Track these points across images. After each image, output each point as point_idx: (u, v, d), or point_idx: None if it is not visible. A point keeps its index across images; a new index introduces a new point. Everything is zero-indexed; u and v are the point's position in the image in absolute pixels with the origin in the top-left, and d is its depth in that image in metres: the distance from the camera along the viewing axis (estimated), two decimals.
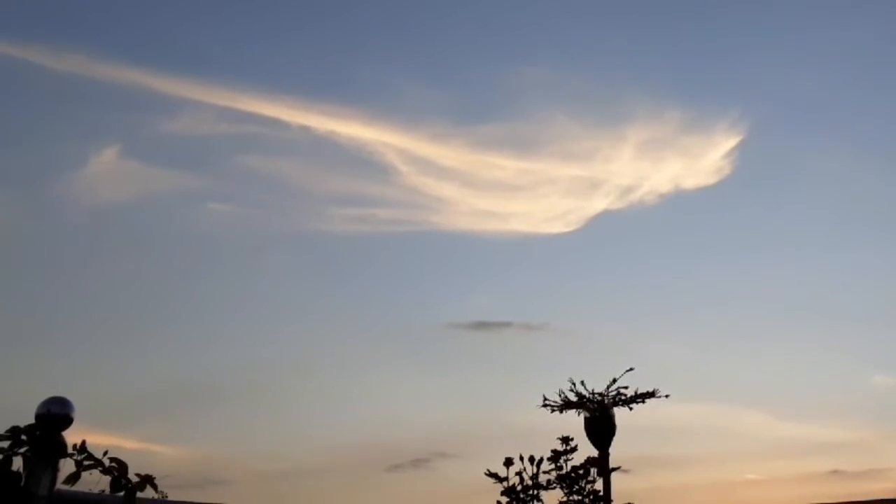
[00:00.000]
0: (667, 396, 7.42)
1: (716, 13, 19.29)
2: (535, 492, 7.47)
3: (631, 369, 7.29)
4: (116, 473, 5.37)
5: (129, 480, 5.39)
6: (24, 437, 5.18)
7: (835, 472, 14.36)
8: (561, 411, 7.35)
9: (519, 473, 7.50)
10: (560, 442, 7.57)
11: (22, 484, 5.15)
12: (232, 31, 19.04)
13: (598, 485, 7.28)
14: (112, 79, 17.55)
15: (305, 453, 15.41)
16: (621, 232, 19.39)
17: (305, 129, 18.49)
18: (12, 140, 17.42)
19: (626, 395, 7.30)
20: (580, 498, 7.38)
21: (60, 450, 5.22)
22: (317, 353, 17.54)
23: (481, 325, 17.61)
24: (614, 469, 7.21)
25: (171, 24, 18.60)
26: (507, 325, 17.52)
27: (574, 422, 7.37)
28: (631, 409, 7.32)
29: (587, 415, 7.24)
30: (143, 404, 14.82)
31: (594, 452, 7.25)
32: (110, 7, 18.28)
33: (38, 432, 5.18)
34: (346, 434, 15.94)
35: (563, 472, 7.52)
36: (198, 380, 16.22)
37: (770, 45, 19.29)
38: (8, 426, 5.24)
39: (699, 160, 18.85)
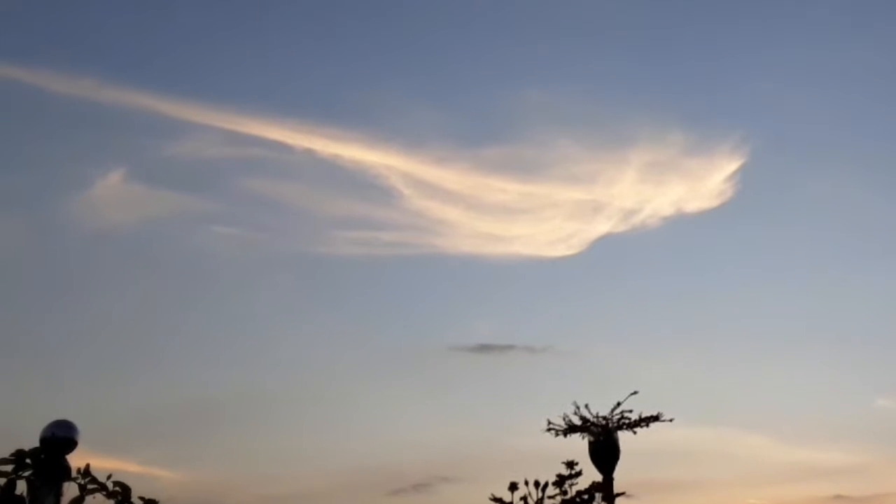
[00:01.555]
0: (671, 420, 7.38)
1: (718, 36, 19.44)
2: None
3: (635, 392, 7.26)
4: (120, 497, 5.35)
5: None
6: (28, 460, 5.17)
7: (838, 497, 14.31)
8: (565, 435, 7.31)
9: (524, 498, 7.46)
10: (565, 466, 7.56)
11: None
12: (236, 55, 19.20)
13: None
14: (118, 102, 17.67)
15: (307, 477, 15.38)
16: (624, 255, 19.44)
17: (309, 153, 18.58)
18: (19, 162, 17.53)
19: (630, 418, 7.26)
20: None
21: (64, 473, 5.19)
22: (319, 375, 17.54)
23: (484, 348, 17.60)
24: (619, 494, 7.16)
25: (177, 49, 18.79)
26: (510, 347, 17.50)
27: (578, 446, 7.35)
28: (635, 433, 7.29)
29: (591, 439, 7.21)
30: (143, 427, 14.80)
31: (599, 477, 7.22)
32: (117, 32, 18.47)
33: (42, 456, 5.17)
34: (348, 458, 15.90)
35: (568, 496, 7.49)
36: (199, 403, 16.21)
37: (773, 67, 19.43)
38: (12, 449, 5.23)
39: (702, 183, 18.90)
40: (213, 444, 15.84)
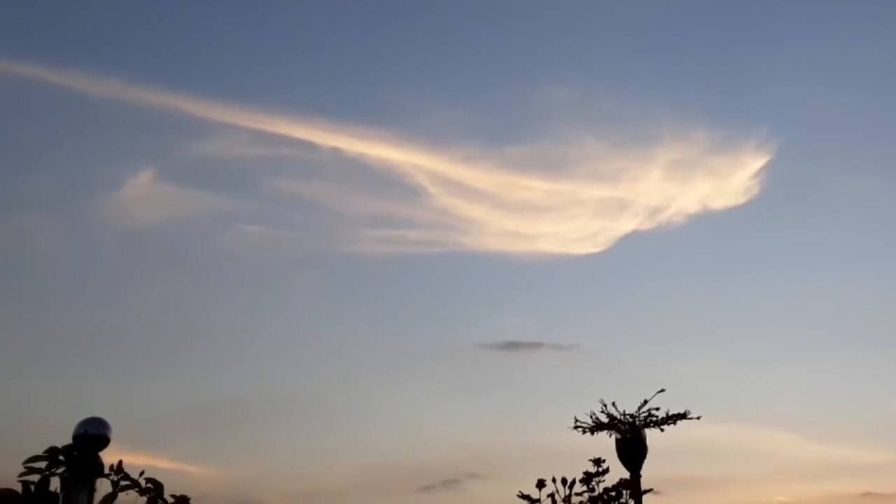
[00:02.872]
0: (698, 418, 7.36)
1: (743, 33, 19.32)
2: None
3: (662, 390, 7.25)
4: (153, 494, 5.42)
5: (165, 501, 5.45)
6: (61, 457, 5.24)
7: (866, 494, 14.19)
8: (592, 433, 7.32)
9: (551, 495, 7.49)
10: (592, 463, 7.58)
11: None
12: (263, 55, 19.31)
13: None
14: (147, 103, 17.83)
15: (336, 473, 15.45)
16: (650, 252, 19.39)
17: (336, 152, 18.66)
18: (50, 163, 17.75)
19: (657, 416, 7.25)
20: None
21: (97, 470, 5.27)
22: (347, 373, 17.62)
23: (511, 346, 17.62)
24: (646, 491, 7.16)
25: (205, 49, 18.90)
26: (537, 345, 17.52)
27: (605, 443, 7.35)
28: (662, 430, 7.28)
29: (618, 436, 7.21)
30: (174, 423, 14.94)
31: (626, 474, 7.23)
32: (145, 32, 18.60)
33: (75, 453, 5.24)
34: (377, 454, 15.97)
35: (596, 493, 7.51)
36: (229, 399, 16.34)
37: (798, 64, 19.28)
38: (45, 447, 5.31)
39: (727, 180, 18.81)
40: (242, 440, 15.94)
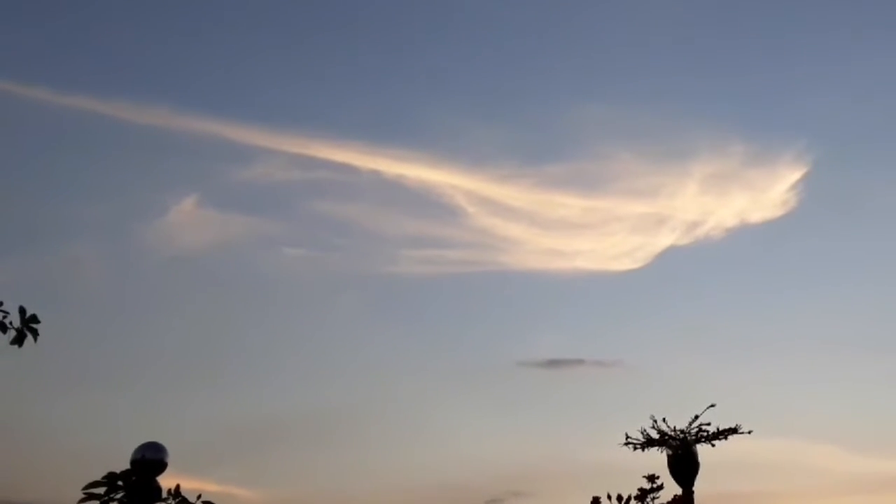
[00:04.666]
0: (749, 432, 7.30)
1: (776, 45, 19.24)
2: None
3: (713, 405, 7.20)
4: None
5: None
6: (120, 482, 5.30)
7: None
8: (643, 449, 7.27)
9: None
10: (645, 480, 7.53)
11: None
12: (301, 80, 19.53)
13: None
14: (190, 130, 18.15)
15: (380, 494, 15.45)
16: (688, 267, 19.34)
17: (375, 174, 18.81)
18: (98, 191, 18.12)
19: (708, 431, 7.20)
20: None
21: (156, 495, 5.32)
22: (388, 392, 17.66)
23: (553, 363, 17.59)
24: None
25: (244, 76, 19.18)
26: (579, 362, 17.48)
27: (652, 459, 7.32)
28: (713, 445, 7.23)
29: (670, 452, 7.16)
30: (219, 445, 15.08)
31: (678, 490, 7.17)
32: (187, 62, 18.93)
33: (133, 478, 5.30)
34: (421, 474, 15.98)
35: None
36: (272, 419, 16.45)
37: (834, 75, 19.18)
38: (104, 472, 5.36)
39: (764, 193, 18.73)
40: (285, 461, 16.03)
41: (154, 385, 16.50)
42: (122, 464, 5.43)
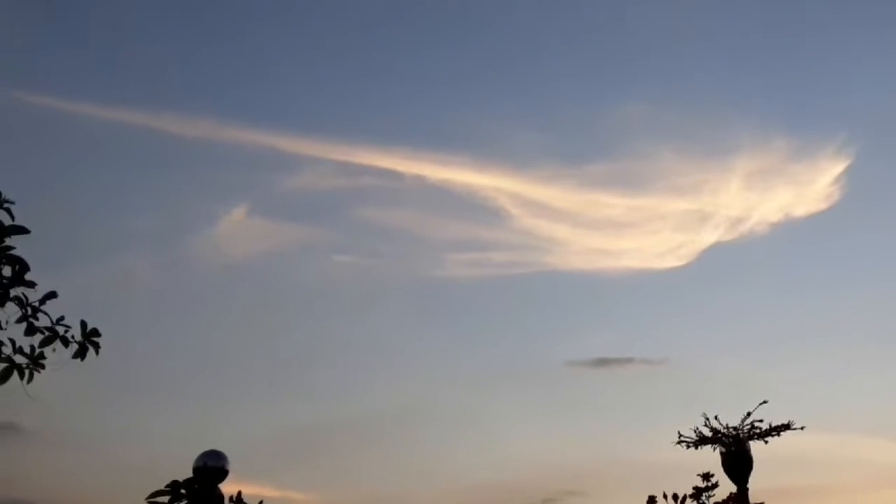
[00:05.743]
0: (802, 428, 7.28)
1: (815, 39, 19.05)
2: None
3: (765, 402, 7.19)
4: None
5: None
6: (182, 491, 5.42)
7: None
8: (696, 447, 7.28)
9: None
10: (700, 478, 7.53)
11: None
12: (345, 88, 19.70)
13: None
14: (238, 141, 18.41)
15: (433, 496, 15.58)
16: (733, 263, 19.23)
17: (419, 179, 18.93)
18: (148, 203, 18.43)
19: (760, 428, 7.19)
20: None
21: (218, 502, 5.44)
22: (439, 394, 17.76)
23: (602, 362, 17.59)
24: None
25: (289, 87, 19.39)
26: (628, 360, 17.47)
27: (700, 457, 7.32)
28: (766, 442, 7.21)
29: (723, 450, 7.16)
30: (274, 450, 15.24)
31: (733, 488, 7.16)
32: (232, 74, 19.20)
33: (196, 486, 5.41)
34: (474, 475, 16.06)
35: None
36: (324, 424, 16.60)
37: (872, 67, 18.94)
38: (167, 480, 5.48)
39: (808, 187, 18.56)
40: (339, 464, 16.17)
41: (210, 392, 16.77)
42: (184, 472, 5.54)
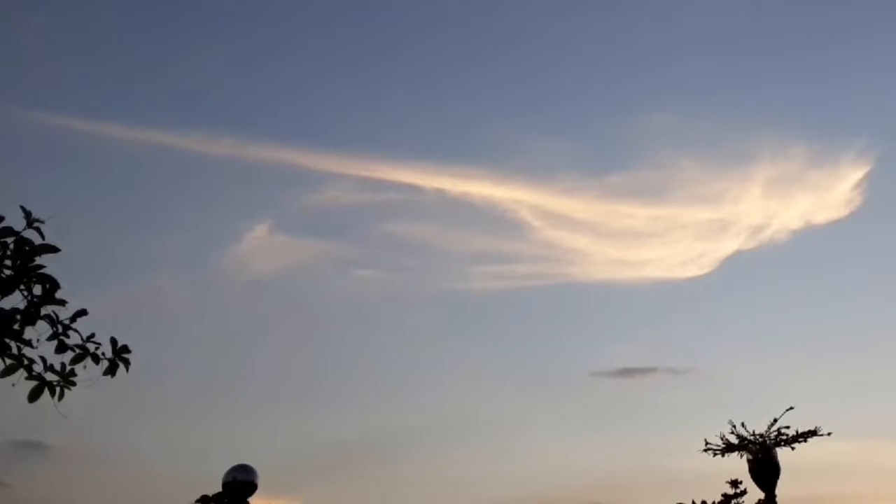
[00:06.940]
0: (829, 434, 7.25)
1: (834, 46, 19.00)
2: None
3: (791, 408, 7.18)
4: None
5: None
6: None
7: None
8: (723, 454, 7.27)
9: None
10: (729, 485, 7.51)
11: None
12: (364, 104, 19.82)
13: None
14: (261, 158, 18.60)
15: None
16: (755, 271, 19.21)
17: (440, 192, 19.01)
18: (176, 222, 18.62)
19: (787, 434, 7.17)
20: None
21: None
22: (466, 408, 17.79)
23: (626, 372, 17.57)
24: None
25: (310, 104, 19.54)
26: (652, 370, 17.44)
27: (727, 465, 7.31)
28: (793, 448, 7.19)
29: (750, 457, 7.14)
30: (303, 465, 15.30)
31: (761, 495, 7.14)
32: (255, 93, 19.40)
33: (225, 500, 5.48)
34: (501, 488, 16.04)
35: None
36: (352, 440, 16.66)
37: (892, 71, 18.87)
38: (197, 496, 5.55)
39: (828, 194, 18.50)
40: (369, 479, 16.21)
41: (238, 407, 16.88)
42: (213, 487, 5.61)
